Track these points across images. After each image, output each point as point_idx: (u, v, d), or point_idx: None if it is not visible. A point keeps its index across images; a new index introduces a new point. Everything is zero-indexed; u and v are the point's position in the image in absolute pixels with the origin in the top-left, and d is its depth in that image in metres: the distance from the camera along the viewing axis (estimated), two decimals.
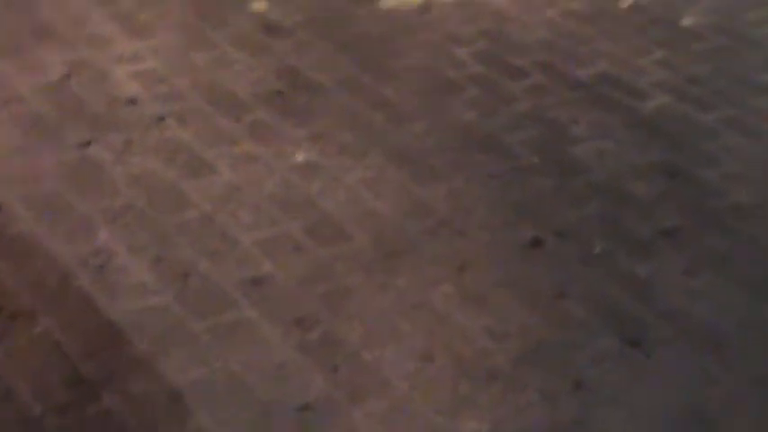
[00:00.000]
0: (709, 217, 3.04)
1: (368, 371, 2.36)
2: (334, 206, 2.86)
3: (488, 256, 2.76)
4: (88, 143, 3.00)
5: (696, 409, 2.39)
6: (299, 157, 3.04)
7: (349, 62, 3.57)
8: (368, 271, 2.65)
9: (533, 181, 3.09)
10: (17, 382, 2.21)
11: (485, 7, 4.03)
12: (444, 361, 2.41)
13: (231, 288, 2.54)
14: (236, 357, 2.35)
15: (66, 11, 3.65)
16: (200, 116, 3.18)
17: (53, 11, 3.64)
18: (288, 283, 2.58)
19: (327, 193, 2.91)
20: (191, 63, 3.46)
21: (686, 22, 4.12)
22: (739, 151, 3.37)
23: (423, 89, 3.48)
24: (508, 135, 3.29)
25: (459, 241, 2.80)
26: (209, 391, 2.25)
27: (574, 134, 3.34)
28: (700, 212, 3.05)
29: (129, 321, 2.40)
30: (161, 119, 3.15)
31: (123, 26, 3.61)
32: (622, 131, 3.38)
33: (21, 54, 3.39)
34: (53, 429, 2.13)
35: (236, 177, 2.93)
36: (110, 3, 3.73)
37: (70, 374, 2.24)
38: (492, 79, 3.60)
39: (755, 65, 3.88)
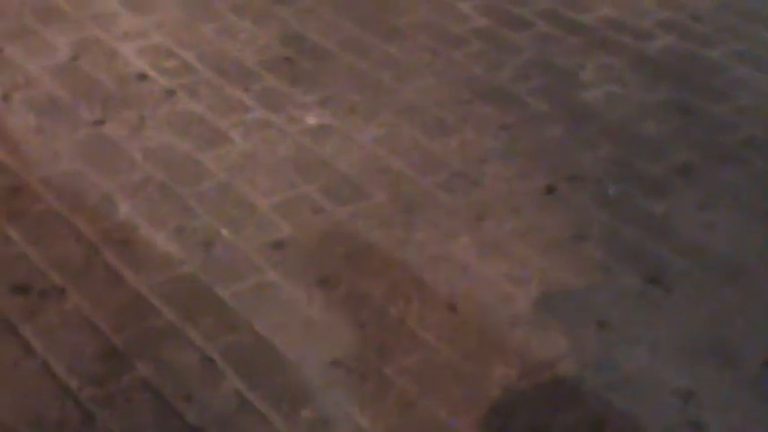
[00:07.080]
0: (723, 151, 3.05)
1: (394, 325, 2.40)
2: (349, 166, 2.89)
3: (504, 205, 2.78)
4: (102, 121, 3.03)
5: (717, 340, 2.42)
6: (311, 120, 3.06)
7: (352, 23, 3.58)
8: (387, 226, 2.68)
9: (544, 129, 3.11)
10: (52, 357, 2.26)
11: None
12: (468, 310, 2.45)
13: (254, 253, 2.57)
14: (263, 320, 2.39)
15: None
16: (211, 87, 3.21)
17: None
18: (309, 244, 2.62)
19: (341, 153, 2.94)
20: (196, 35, 3.48)
21: None
22: (750, 84, 3.37)
23: (427, 45, 3.49)
24: (516, 85, 3.30)
25: (474, 192, 2.82)
26: (240, 355, 2.29)
27: (582, 79, 3.35)
28: (713, 148, 3.07)
29: (157, 292, 2.44)
30: (171, 92, 3.17)
31: (126, 3, 3.62)
32: (630, 74, 3.39)
33: (27, 37, 3.41)
34: (92, 401, 2.17)
35: (251, 144, 2.96)
36: None
37: (103, 347, 2.29)
38: (496, 31, 3.60)
39: None
